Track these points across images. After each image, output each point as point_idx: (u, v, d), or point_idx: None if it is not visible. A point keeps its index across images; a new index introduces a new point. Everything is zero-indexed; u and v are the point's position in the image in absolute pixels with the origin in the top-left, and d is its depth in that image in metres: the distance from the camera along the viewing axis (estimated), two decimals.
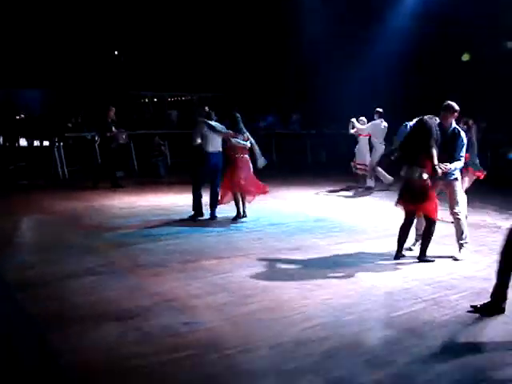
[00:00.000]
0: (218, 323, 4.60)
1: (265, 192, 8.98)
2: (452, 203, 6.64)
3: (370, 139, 12.45)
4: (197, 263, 6.34)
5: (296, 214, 9.53)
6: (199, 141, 8.56)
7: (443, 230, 7.22)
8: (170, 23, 18.32)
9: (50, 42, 17.29)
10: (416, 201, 6.27)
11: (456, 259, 6.56)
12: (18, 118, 17.03)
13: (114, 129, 12.38)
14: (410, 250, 6.83)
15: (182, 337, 4.32)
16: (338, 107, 15.53)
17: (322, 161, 18.03)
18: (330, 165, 16.89)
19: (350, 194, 12.22)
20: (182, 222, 8.62)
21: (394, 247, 6.59)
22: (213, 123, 8.69)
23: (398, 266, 6.30)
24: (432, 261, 6.43)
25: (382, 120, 12.21)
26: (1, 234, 7.71)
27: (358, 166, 12.61)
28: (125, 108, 18.10)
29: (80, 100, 17.99)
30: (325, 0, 15.23)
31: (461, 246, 6.67)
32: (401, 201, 6.42)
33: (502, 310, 4.79)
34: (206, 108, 8.96)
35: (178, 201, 10.73)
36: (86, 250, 6.86)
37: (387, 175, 12.13)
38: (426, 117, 6.36)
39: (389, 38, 15.35)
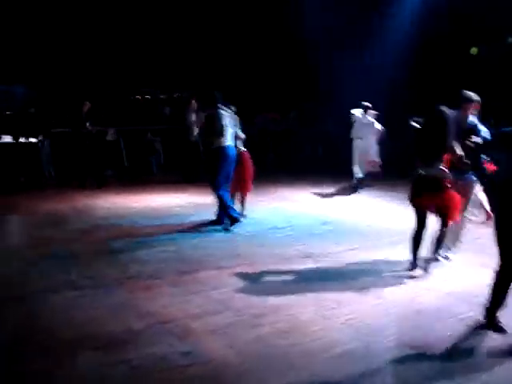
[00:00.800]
0: (222, 352, 3.82)
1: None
2: (465, 204, 5.84)
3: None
4: (195, 274, 5.54)
5: (301, 216, 8.74)
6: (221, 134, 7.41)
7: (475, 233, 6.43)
8: (165, 18, 17.47)
9: (34, 34, 16.39)
10: (433, 196, 5.47)
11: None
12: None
13: (88, 124, 11.49)
14: (446, 258, 6.06)
15: (180, 371, 3.54)
16: (339, 103, 14.79)
17: (319, 155, 17.23)
18: (327, 160, 16.15)
19: (350, 192, 11.48)
20: (176, 226, 7.80)
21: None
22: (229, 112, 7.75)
23: (423, 278, 5.52)
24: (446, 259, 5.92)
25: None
26: None
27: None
28: (114, 104, 17.29)
29: (67, 96, 17.10)
30: None
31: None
32: (416, 199, 5.61)
33: None
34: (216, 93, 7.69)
35: (171, 201, 10.01)
36: (68, 259, 6.06)
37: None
38: (441, 107, 5.59)
39: (395, 31, 14.60)
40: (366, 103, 11.79)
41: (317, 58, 15.93)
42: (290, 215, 8.77)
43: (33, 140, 13.49)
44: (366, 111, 11.81)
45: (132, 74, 18.15)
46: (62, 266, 5.75)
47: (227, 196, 7.67)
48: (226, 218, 7.63)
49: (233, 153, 7.60)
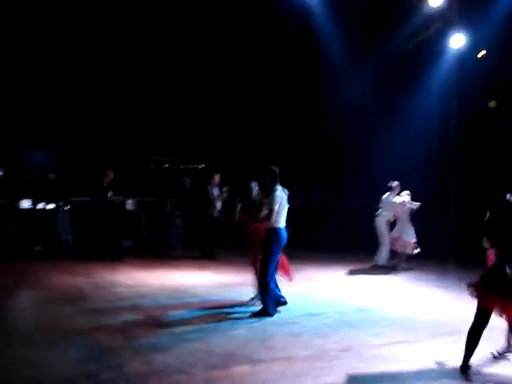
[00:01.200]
0: None
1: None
2: None
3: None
4: (227, 370, 4.97)
5: (332, 302, 8.16)
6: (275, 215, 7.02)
7: None
8: (191, 88, 17.56)
9: (59, 102, 16.43)
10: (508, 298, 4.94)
11: None
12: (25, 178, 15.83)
13: (110, 195, 11.16)
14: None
15: None
16: (367, 180, 14.56)
17: (343, 235, 16.75)
18: (352, 240, 15.70)
19: (381, 274, 10.99)
20: (201, 308, 7.27)
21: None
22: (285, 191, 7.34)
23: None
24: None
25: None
26: None
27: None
28: (133, 173, 17.08)
29: (87, 162, 16.98)
30: (357, 67, 14.40)
31: None
32: (490, 296, 5.04)
33: None
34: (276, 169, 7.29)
35: (193, 279, 9.54)
36: (86, 345, 5.51)
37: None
38: (508, 195, 5.17)
39: (425, 109, 14.53)
40: (393, 183, 11.56)
41: (342, 134, 15.84)
42: (321, 300, 8.21)
43: (51, 207, 13.19)
44: (392, 190, 11.59)
45: (151, 143, 18.08)
46: (79, 354, 5.21)
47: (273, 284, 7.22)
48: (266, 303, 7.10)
49: (285, 235, 7.20)
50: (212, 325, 6.49)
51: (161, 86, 17.47)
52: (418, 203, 11.43)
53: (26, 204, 13.79)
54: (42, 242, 12.26)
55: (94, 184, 11.47)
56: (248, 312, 7.10)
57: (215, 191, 12.36)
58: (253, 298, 7.57)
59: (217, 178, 12.57)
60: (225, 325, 6.53)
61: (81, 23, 14.69)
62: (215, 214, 12.32)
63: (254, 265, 7.59)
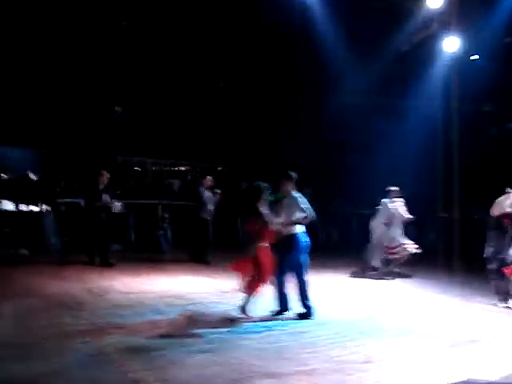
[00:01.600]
0: None
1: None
2: None
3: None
4: None
5: (342, 308, 7.91)
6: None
7: None
8: (181, 88, 17.17)
9: (44, 100, 15.87)
10: None
11: None
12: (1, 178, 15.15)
13: (105, 197, 10.68)
14: None
15: None
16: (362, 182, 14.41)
17: (335, 240, 16.57)
18: (344, 245, 15.53)
19: (377, 279, 10.88)
20: (207, 317, 6.94)
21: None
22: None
23: None
24: None
25: None
26: None
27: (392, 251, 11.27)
28: (120, 174, 16.63)
29: (71, 162, 16.45)
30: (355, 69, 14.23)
31: None
32: None
33: None
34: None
35: (190, 285, 9.26)
36: (92, 359, 5.12)
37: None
38: None
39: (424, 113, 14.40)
40: (391, 188, 11.37)
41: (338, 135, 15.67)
42: (329, 307, 7.90)
43: (35, 208, 12.67)
44: (389, 195, 11.45)
45: (137, 144, 17.62)
46: (89, 369, 4.84)
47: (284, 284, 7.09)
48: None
49: (305, 241, 7.13)
50: (221, 335, 6.15)
51: (148, 87, 17.08)
52: (410, 216, 11.29)
53: (8, 205, 13.25)
54: (28, 244, 11.78)
55: (88, 185, 10.98)
56: (257, 321, 6.79)
57: (207, 193, 12.04)
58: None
59: (209, 179, 12.26)
60: (234, 334, 6.21)
61: (69, 22, 14.25)
62: (207, 217, 11.99)
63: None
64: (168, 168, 19.40)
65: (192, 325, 6.51)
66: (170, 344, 5.69)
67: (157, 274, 10.12)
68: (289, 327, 6.65)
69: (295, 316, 7.07)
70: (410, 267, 11.46)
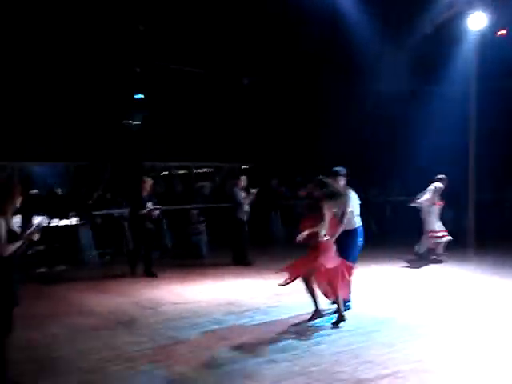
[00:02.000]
0: None
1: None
2: None
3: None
4: None
5: (397, 303, 7.54)
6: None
7: None
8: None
9: (56, 111, 15.58)
10: None
11: None
12: (31, 193, 14.96)
13: (149, 205, 10.34)
14: None
15: None
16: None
17: (374, 231, 16.10)
18: (384, 234, 15.12)
19: (434, 269, 10.49)
20: (268, 323, 6.60)
21: None
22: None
23: None
24: None
25: None
26: (27, 357, 5.47)
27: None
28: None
29: (100, 173, 16.21)
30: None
31: None
32: None
33: None
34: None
35: (240, 289, 8.91)
36: (164, 377, 4.82)
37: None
38: None
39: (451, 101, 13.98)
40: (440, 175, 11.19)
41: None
42: (383, 302, 7.59)
43: (70, 222, 12.37)
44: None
45: (160, 148, 17.32)
46: None
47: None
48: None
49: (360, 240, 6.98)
50: (291, 341, 5.83)
51: (166, 88, 16.75)
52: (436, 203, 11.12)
53: (41, 221, 12.99)
54: (66, 260, 11.52)
55: (132, 193, 10.66)
56: (320, 325, 6.44)
57: (242, 194, 11.72)
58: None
59: (243, 179, 11.94)
60: (304, 340, 5.86)
61: (75, 26, 13.90)
62: (244, 218, 11.67)
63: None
64: (195, 171, 19.05)
65: (256, 333, 6.18)
66: (241, 355, 5.37)
67: (202, 280, 9.78)
68: (353, 326, 6.31)
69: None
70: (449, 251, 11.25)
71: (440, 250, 11.21)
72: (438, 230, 11.15)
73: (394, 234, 14.09)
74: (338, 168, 7.09)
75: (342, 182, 6.97)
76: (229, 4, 14.25)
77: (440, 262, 10.95)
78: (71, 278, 10.35)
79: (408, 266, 10.70)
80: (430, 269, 10.46)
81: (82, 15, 13.51)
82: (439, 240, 11.15)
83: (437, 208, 11.18)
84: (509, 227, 14.23)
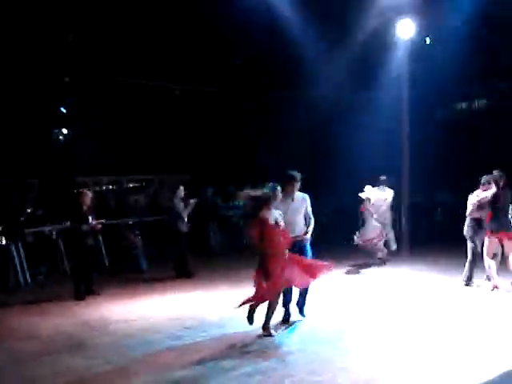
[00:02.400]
0: None
1: None
2: None
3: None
4: None
5: (347, 309, 7.63)
6: None
7: None
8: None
9: None
10: None
11: None
12: None
13: (91, 220, 9.86)
14: None
15: None
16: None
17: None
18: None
19: (373, 272, 10.81)
20: (227, 335, 6.41)
21: None
22: None
23: None
24: None
25: None
26: None
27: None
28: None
29: (26, 190, 15.40)
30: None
31: None
32: None
33: None
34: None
35: (189, 302, 8.66)
36: None
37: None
38: None
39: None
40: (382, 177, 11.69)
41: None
42: (329, 309, 7.62)
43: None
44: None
45: (91, 162, 16.76)
46: None
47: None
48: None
49: None
50: (259, 353, 5.66)
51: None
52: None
53: None
54: None
55: (71, 208, 10.10)
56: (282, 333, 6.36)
57: (181, 204, 11.47)
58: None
59: (181, 190, 11.67)
60: (273, 350, 5.73)
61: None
62: (184, 229, 11.42)
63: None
64: (127, 184, 18.54)
65: (217, 347, 5.97)
66: (211, 371, 5.15)
67: (147, 294, 9.42)
68: (320, 334, 6.25)
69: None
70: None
71: (380, 253, 11.47)
72: (372, 235, 11.39)
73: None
74: (293, 172, 6.99)
75: (295, 187, 6.90)
76: (160, 11, 13.99)
77: (382, 264, 11.22)
78: (3, 301, 9.67)
79: (350, 272, 10.85)
80: (369, 272, 10.76)
81: (10, 23, 12.84)
82: (376, 244, 11.42)
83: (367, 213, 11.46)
84: (441, 229, 14.82)
